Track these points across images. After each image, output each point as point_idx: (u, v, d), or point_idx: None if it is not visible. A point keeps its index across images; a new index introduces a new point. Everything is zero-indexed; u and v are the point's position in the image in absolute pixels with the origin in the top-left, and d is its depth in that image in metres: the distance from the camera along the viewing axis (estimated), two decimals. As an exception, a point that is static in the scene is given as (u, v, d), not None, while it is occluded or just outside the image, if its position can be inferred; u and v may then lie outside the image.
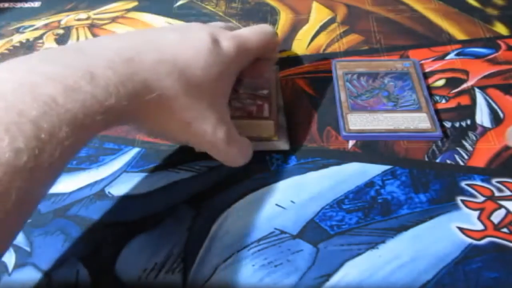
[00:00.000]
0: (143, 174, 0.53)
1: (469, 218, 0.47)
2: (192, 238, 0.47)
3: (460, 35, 0.69)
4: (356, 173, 0.52)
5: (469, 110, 0.58)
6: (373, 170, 0.52)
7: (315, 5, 0.78)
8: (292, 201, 0.49)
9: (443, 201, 0.48)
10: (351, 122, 0.55)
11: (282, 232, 0.47)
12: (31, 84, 0.29)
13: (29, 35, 0.75)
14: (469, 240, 0.45)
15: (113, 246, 0.46)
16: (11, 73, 0.30)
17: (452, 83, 0.61)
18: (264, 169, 0.52)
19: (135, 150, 0.56)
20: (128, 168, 0.54)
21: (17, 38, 0.74)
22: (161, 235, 0.47)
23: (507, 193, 0.49)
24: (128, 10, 0.80)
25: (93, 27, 0.76)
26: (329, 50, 0.68)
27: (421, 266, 0.43)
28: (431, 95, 0.60)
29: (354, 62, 0.64)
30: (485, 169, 0.51)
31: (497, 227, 0.46)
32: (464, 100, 0.59)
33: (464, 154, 0.53)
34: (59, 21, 0.78)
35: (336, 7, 0.77)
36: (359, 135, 0.54)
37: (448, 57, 0.65)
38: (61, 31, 0.75)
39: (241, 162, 0.50)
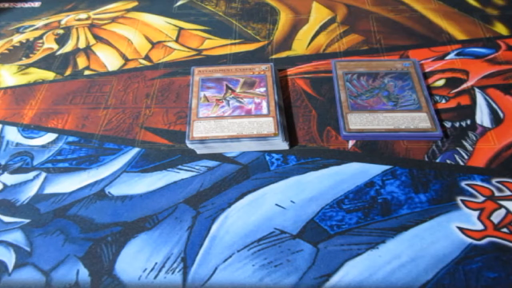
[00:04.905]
0: (143, 174, 0.53)
1: (469, 218, 0.47)
2: (192, 238, 0.47)
3: (460, 35, 0.69)
4: (356, 173, 0.52)
5: (469, 110, 0.58)
6: (373, 170, 0.52)
7: (315, 5, 0.78)
8: (292, 201, 0.49)
9: (443, 201, 0.48)
10: (351, 122, 0.55)
11: (282, 232, 0.47)
12: None
13: (29, 35, 0.75)
14: (469, 240, 0.45)
15: (113, 246, 0.46)
16: None
17: (452, 83, 0.61)
18: (264, 169, 0.52)
19: (135, 150, 0.56)
20: (128, 168, 0.54)
21: (17, 38, 0.74)
22: (161, 235, 0.47)
23: (507, 193, 0.49)
24: (128, 10, 0.80)
25: (93, 27, 0.76)
26: (329, 50, 0.68)
27: (421, 266, 0.43)
28: (431, 95, 0.60)
29: (354, 62, 0.64)
30: (485, 169, 0.51)
31: (497, 227, 0.46)
32: (464, 100, 0.59)
33: (464, 154, 0.53)
34: (59, 21, 0.78)
35: (336, 7, 0.77)
36: (359, 135, 0.54)
37: (448, 57, 0.65)
38: (61, 31, 0.75)
39: None
